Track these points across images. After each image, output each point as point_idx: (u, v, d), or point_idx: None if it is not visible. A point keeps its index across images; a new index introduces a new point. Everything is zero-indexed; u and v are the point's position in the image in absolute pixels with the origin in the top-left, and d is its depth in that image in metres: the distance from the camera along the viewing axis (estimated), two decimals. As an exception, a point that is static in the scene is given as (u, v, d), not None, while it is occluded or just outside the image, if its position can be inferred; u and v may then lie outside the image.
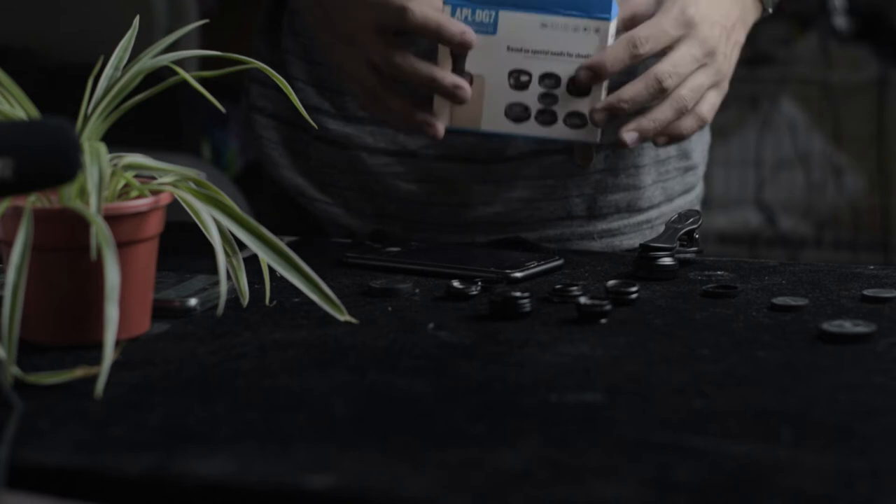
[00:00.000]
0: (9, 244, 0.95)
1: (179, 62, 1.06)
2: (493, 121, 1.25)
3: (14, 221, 0.96)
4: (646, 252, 1.21)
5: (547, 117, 1.25)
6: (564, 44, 1.24)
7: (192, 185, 1.03)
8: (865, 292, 1.14)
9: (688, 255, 1.24)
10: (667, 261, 1.21)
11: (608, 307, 1.08)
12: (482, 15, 1.23)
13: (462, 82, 1.23)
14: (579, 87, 1.24)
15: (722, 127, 3.31)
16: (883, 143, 3.28)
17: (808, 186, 3.35)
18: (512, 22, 1.24)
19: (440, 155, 1.38)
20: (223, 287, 0.98)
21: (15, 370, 0.92)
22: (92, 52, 1.15)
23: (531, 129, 1.25)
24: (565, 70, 1.24)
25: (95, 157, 0.97)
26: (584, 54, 1.24)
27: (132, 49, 1.08)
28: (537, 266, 1.22)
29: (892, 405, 0.91)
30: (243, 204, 2.44)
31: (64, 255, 0.99)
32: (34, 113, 1.01)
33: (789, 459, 0.81)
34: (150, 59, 1.05)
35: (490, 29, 1.24)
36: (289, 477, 0.79)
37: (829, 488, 0.77)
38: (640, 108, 1.25)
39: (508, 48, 1.24)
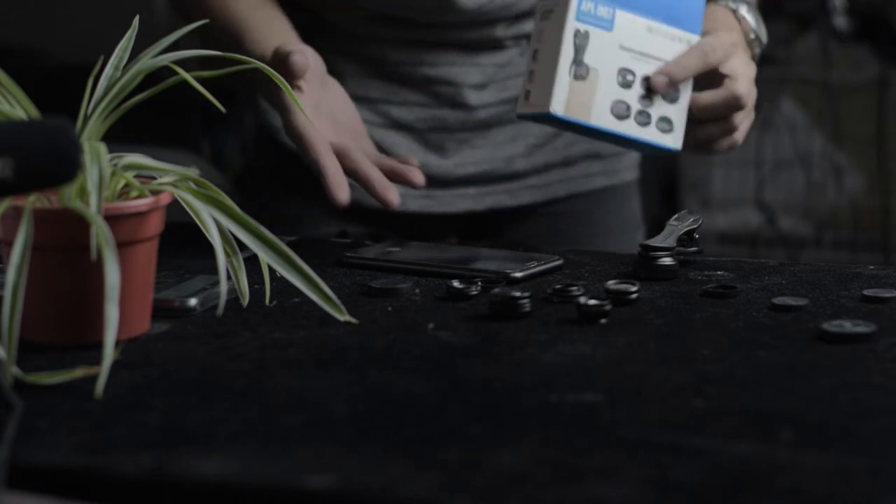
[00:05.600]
0: (9, 244, 0.95)
1: (179, 62, 1.06)
2: (601, 116, 1.28)
3: (14, 221, 0.96)
4: (646, 252, 1.21)
5: (644, 118, 1.29)
6: (663, 50, 1.30)
7: (192, 185, 1.03)
8: (865, 292, 1.14)
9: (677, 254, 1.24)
10: (667, 261, 1.21)
11: (608, 307, 1.08)
12: (603, 10, 1.28)
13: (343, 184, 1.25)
14: (666, 92, 1.30)
15: (722, 127, 3.30)
16: (883, 143, 3.28)
17: (808, 186, 3.35)
18: (626, 22, 1.29)
19: (431, 128, 1.50)
20: (223, 287, 0.98)
21: (15, 370, 0.92)
22: (92, 52, 1.15)
23: (629, 128, 1.29)
24: None
25: (95, 157, 0.97)
26: None
27: (132, 49, 1.08)
28: (537, 266, 1.23)
29: (892, 405, 0.91)
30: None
31: (64, 255, 0.99)
32: (34, 113, 1.01)
33: (789, 459, 0.81)
34: (150, 59, 1.05)
35: (608, 25, 1.28)
36: (289, 477, 0.79)
37: (829, 488, 0.77)
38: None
39: (621, 46, 1.29)
